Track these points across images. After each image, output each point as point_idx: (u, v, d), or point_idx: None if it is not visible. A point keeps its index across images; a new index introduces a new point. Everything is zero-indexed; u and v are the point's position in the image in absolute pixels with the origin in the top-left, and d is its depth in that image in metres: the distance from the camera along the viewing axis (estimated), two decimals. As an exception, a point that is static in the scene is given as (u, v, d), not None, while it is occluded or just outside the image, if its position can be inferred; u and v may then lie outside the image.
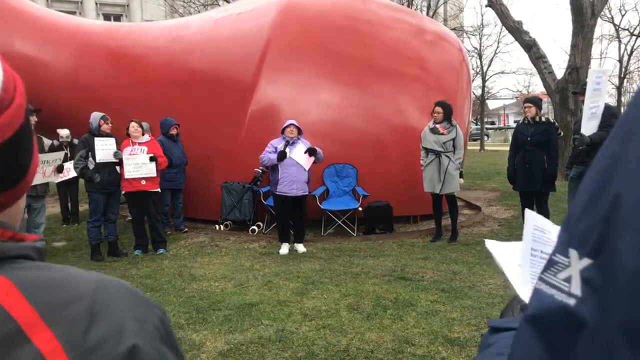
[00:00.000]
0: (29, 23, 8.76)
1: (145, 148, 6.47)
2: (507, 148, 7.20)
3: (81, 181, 7.38)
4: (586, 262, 0.46)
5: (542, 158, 6.12)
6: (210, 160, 7.91)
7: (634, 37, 25.00)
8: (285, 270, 5.54)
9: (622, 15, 25.95)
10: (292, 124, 6.30)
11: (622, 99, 28.25)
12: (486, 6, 14.78)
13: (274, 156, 6.20)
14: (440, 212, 6.91)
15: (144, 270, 5.76)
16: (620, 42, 26.25)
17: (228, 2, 17.32)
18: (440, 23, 11.77)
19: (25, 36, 8.64)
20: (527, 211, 0.80)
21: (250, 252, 6.49)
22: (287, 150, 6.22)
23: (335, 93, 7.68)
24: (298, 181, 6.24)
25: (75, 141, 7.86)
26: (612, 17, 24.65)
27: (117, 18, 32.13)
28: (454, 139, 6.59)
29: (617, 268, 0.42)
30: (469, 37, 26.70)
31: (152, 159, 6.40)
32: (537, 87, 34.85)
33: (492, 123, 54.62)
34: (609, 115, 5.77)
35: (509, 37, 25.15)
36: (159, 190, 6.70)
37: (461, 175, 6.80)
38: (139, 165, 6.35)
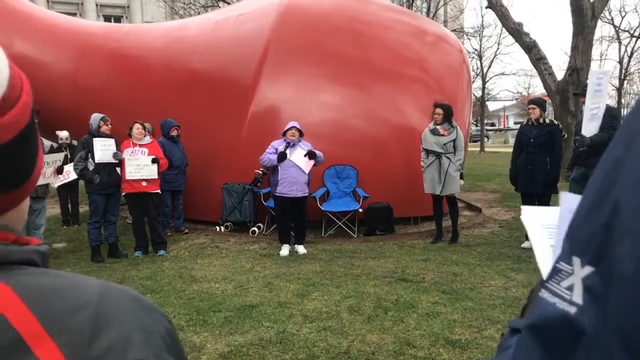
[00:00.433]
0: (29, 24, 8.77)
1: (146, 150, 6.47)
2: (507, 149, 7.20)
3: (81, 182, 7.38)
4: (588, 269, 0.45)
5: (545, 160, 6.11)
6: (210, 161, 7.90)
7: (634, 39, 25.03)
8: (286, 272, 5.53)
9: (622, 17, 26.16)
10: (294, 127, 6.30)
11: (622, 100, 28.27)
12: (486, 8, 14.79)
13: (274, 157, 6.20)
14: (440, 213, 6.90)
15: (144, 272, 5.74)
16: (620, 43, 26.29)
17: (228, 3, 17.33)
18: (440, 24, 11.76)
19: (25, 37, 8.64)
20: (563, 193, 0.76)
21: (250, 254, 6.48)
22: (288, 151, 6.22)
23: (336, 94, 7.67)
24: (298, 182, 6.24)
25: (75, 143, 7.86)
26: (612, 19, 24.70)
27: (118, 19, 32.15)
28: (454, 140, 6.59)
29: (616, 275, 0.41)
30: (469, 39, 26.73)
31: (154, 161, 6.40)
32: (537, 89, 34.87)
33: (492, 124, 54.64)
34: (610, 116, 5.75)
35: (509, 39, 25.23)
36: (159, 191, 6.70)
37: (462, 177, 6.80)
38: (141, 166, 6.35)
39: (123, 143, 6.45)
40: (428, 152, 6.67)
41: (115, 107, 7.88)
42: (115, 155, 6.32)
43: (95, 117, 6.43)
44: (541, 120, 6.26)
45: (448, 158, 6.54)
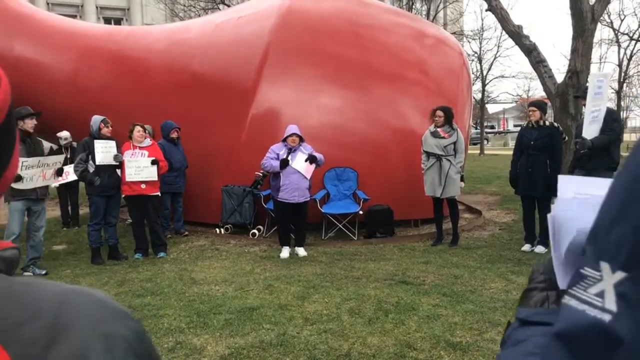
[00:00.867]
0: (29, 26, 8.77)
1: (146, 152, 6.47)
2: (507, 152, 7.21)
3: (81, 184, 7.37)
4: (620, 275, 0.44)
5: (545, 162, 6.10)
6: (210, 163, 7.90)
7: (633, 42, 25.08)
8: (286, 274, 5.52)
9: (622, 20, 26.17)
10: (295, 133, 6.28)
11: (622, 103, 28.30)
12: (486, 10, 14.79)
13: (277, 163, 6.19)
14: (441, 215, 6.90)
15: (144, 274, 5.73)
16: (619, 46, 26.35)
17: (228, 6, 17.35)
18: (440, 27, 11.78)
19: (26, 39, 8.65)
20: (560, 177, 0.68)
21: (250, 256, 6.47)
22: (289, 158, 6.22)
23: (336, 97, 7.67)
24: (299, 188, 6.25)
25: (75, 144, 7.85)
26: (611, 22, 24.75)
27: (118, 22, 32.17)
28: (455, 143, 6.59)
29: None
30: (469, 41, 26.80)
31: (153, 162, 6.40)
32: (537, 92, 34.94)
33: (492, 127, 54.65)
34: (611, 119, 5.76)
35: (508, 42, 25.27)
36: (159, 193, 6.69)
37: (462, 179, 6.79)
38: (141, 168, 6.35)
39: (123, 145, 6.45)
40: (429, 154, 6.66)
41: (116, 109, 7.88)
42: (115, 158, 6.32)
43: (96, 119, 6.43)
44: (541, 123, 6.26)
45: (449, 160, 6.54)
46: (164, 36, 8.98)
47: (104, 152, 6.29)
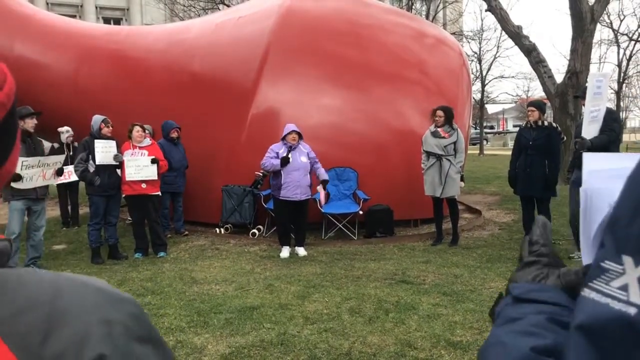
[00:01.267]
0: (29, 26, 8.78)
1: (146, 152, 6.47)
2: (506, 152, 7.22)
3: (81, 184, 7.37)
4: None
5: (544, 162, 6.11)
6: (210, 163, 7.91)
7: (632, 42, 25.11)
8: (286, 274, 5.53)
9: (621, 21, 26.14)
10: (294, 131, 6.30)
11: (621, 103, 28.33)
12: (486, 11, 14.83)
13: (277, 162, 6.20)
14: (441, 215, 6.91)
15: (144, 274, 5.74)
16: (619, 47, 26.38)
17: (228, 6, 17.36)
18: (440, 27, 11.79)
19: (26, 39, 8.65)
20: (585, 154, 0.67)
21: (250, 256, 6.47)
22: (290, 156, 6.23)
23: (336, 97, 7.68)
24: (301, 186, 6.25)
25: (76, 144, 7.86)
26: (610, 22, 24.77)
27: (117, 22, 32.16)
28: (455, 143, 6.60)
29: None
30: (468, 42, 26.83)
31: (153, 161, 6.40)
32: (537, 92, 34.95)
33: (491, 127, 54.68)
34: (611, 119, 5.76)
35: (508, 42, 25.33)
36: (159, 193, 6.70)
37: (462, 179, 6.80)
38: (141, 167, 6.35)
39: (123, 145, 6.46)
40: (429, 154, 6.67)
41: (116, 109, 7.88)
42: (115, 157, 6.32)
43: (97, 119, 6.44)
44: (540, 123, 6.26)
45: (449, 160, 6.55)
46: (164, 36, 8.98)
47: (104, 151, 6.30)
